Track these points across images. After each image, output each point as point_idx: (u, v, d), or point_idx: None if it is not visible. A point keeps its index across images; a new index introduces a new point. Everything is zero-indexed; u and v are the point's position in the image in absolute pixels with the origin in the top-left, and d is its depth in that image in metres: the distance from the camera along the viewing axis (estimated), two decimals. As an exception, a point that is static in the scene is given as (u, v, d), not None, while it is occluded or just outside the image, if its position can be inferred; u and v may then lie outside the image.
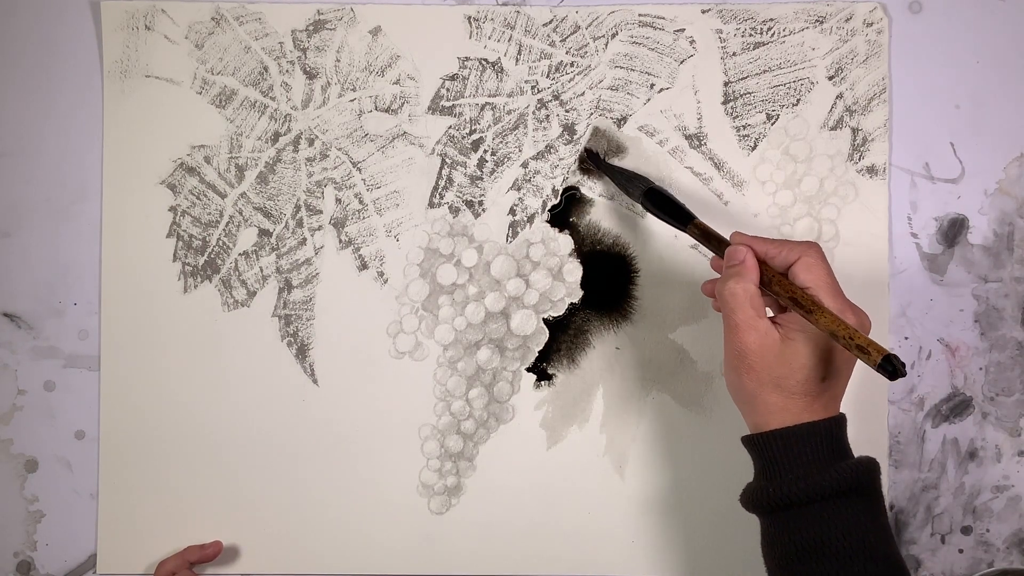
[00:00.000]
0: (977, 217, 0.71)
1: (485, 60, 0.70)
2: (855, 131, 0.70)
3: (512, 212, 0.70)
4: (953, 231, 0.71)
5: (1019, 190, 0.71)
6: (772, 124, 0.70)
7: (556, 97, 0.70)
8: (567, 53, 0.70)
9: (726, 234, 0.61)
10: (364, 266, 0.71)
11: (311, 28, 0.70)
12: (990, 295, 0.71)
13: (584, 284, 0.70)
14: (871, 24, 0.70)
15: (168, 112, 0.70)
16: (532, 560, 0.70)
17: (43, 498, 0.71)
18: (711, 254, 0.64)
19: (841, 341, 0.52)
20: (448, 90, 0.70)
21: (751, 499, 0.56)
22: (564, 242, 0.70)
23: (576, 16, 0.70)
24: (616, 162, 0.70)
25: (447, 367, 0.70)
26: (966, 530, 0.71)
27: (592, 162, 0.70)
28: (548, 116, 0.70)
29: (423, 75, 0.70)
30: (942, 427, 0.71)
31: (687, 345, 0.70)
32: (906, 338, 0.71)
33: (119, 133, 0.70)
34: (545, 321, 0.70)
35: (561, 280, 0.70)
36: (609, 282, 0.71)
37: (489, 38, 0.70)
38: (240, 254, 0.71)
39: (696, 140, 0.70)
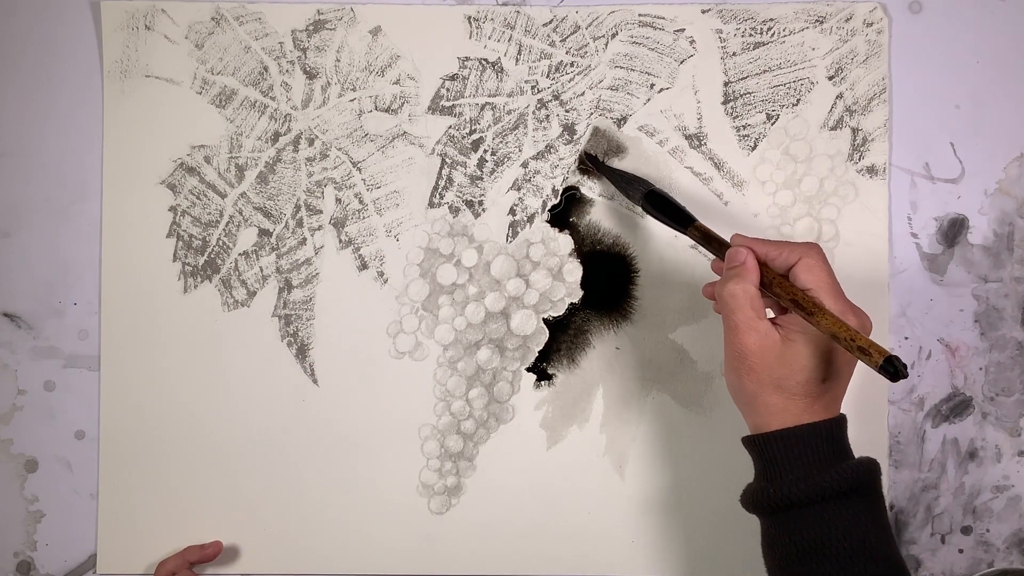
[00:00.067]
0: (977, 217, 0.71)
1: (485, 60, 0.70)
2: (855, 131, 0.70)
3: (512, 212, 0.70)
4: (953, 231, 0.71)
5: (1019, 190, 0.71)
6: (772, 124, 0.70)
7: (556, 97, 0.70)
8: (567, 53, 0.70)
9: (726, 235, 0.61)
10: (364, 266, 0.71)
11: (311, 28, 0.70)
12: (990, 295, 0.71)
13: (584, 284, 0.70)
14: (871, 24, 0.70)
15: (168, 112, 0.70)
16: (532, 560, 0.70)
17: (43, 498, 0.71)
18: (711, 255, 0.64)
19: (843, 343, 0.52)
20: (448, 90, 0.70)
21: (751, 500, 0.56)
22: (564, 242, 0.70)
23: (576, 16, 0.70)
24: (616, 163, 0.70)
25: (447, 367, 0.70)
26: (966, 530, 0.71)
27: (591, 165, 0.70)
28: (548, 116, 0.70)
29: (423, 75, 0.70)
30: (942, 427, 0.71)
31: (687, 345, 0.70)
32: (906, 338, 0.71)
33: (119, 133, 0.70)
34: (545, 321, 0.71)
35: (561, 280, 0.70)
36: (609, 282, 0.71)
37: (489, 38, 0.70)
38: (240, 254, 0.71)
39: (696, 140, 0.70)
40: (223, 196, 0.71)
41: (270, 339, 0.70)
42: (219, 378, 0.70)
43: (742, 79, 0.70)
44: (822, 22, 0.70)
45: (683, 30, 0.70)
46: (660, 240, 0.70)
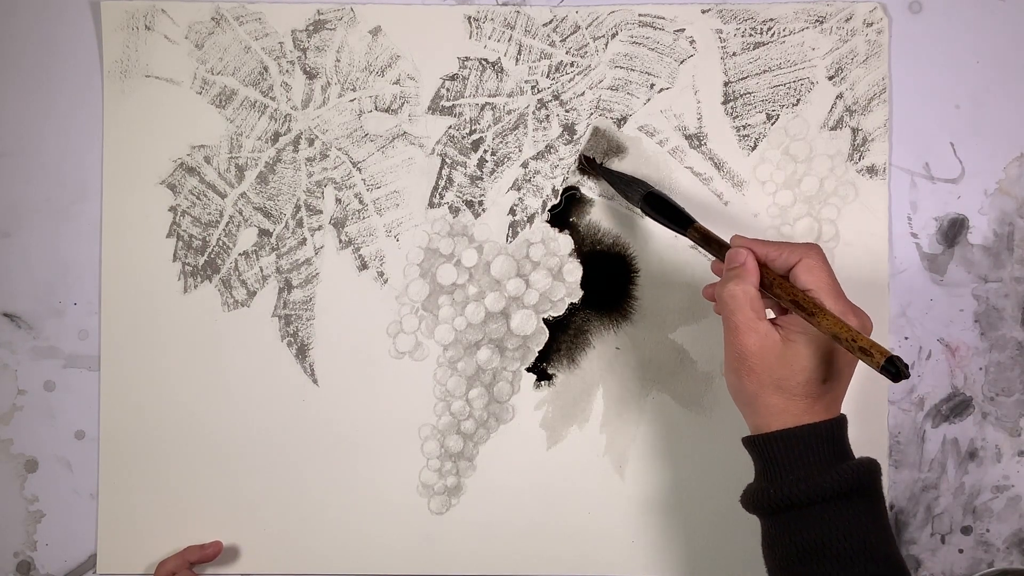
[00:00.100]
0: (977, 217, 0.71)
1: (485, 60, 0.70)
2: (855, 131, 0.70)
3: (512, 212, 0.70)
4: (953, 231, 0.71)
5: (1019, 190, 0.71)
6: (772, 124, 0.70)
7: (556, 97, 0.70)
8: (567, 53, 0.70)
9: (726, 235, 0.61)
10: (364, 266, 0.71)
11: (311, 28, 0.70)
12: (990, 295, 0.71)
13: (584, 284, 0.70)
14: (871, 24, 0.70)
15: (168, 112, 0.70)
16: (532, 560, 0.70)
17: (43, 498, 0.71)
18: (712, 256, 0.64)
19: (844, 344, 0.52)
20: (448, 90, 0.70)
21: (752, 500, 0.56)
22: (564, 242, 0.70)
23: (576, 16, 0.70)
24: (615, 163, 0.70)
25: (447, 367, 0.70)
26: (966, 530, 0.71)
27: (589, 168, 0.70)
28: (548, 116, 0.70)
29: (423, 75, 0.70)
30: (942, 427, 0.71)
31: (687, 345, 0.70)
32: (906, 338, 0.71)
33: (119, 133, 0.70)
34: (545, 321, 0.71)
35: (561, 280, 0.70)
36: (609, 282, 0.71)
37: (489, 38, 0.70)
38: (240, 254, 0.71)
39: (696, 140, 0.70)
40: (223, 196, 0.71)
41: (270, 339, 0.70)
42: (219, 378, 0.70)
43: (742, 79, 0.70)
44: (822, 22, 0.70)
45: (683, 30, 0.70)
46: (660, 240, 0.70)
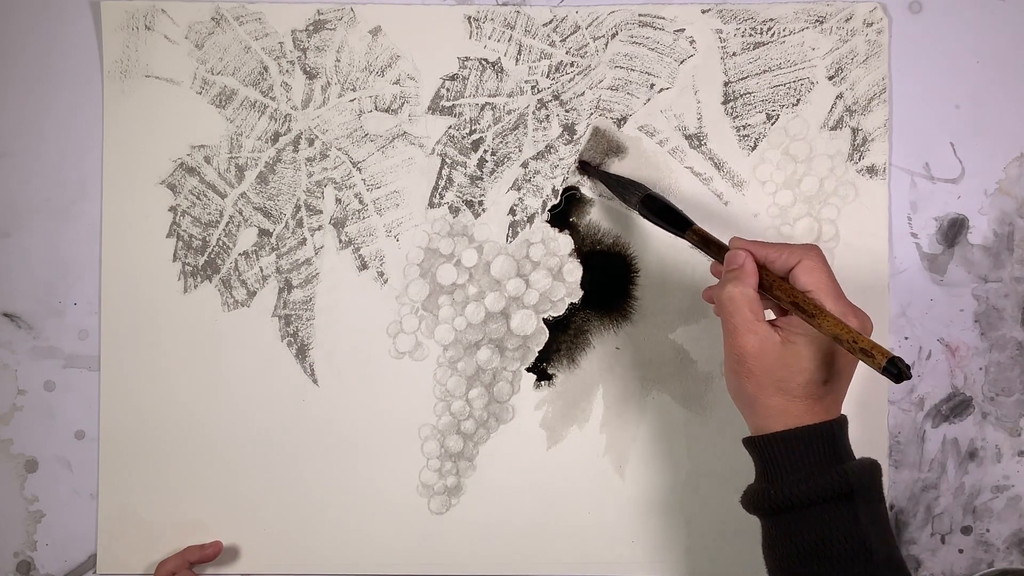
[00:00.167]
0: (977, 217, 0.71)
1: (485, 60, 0.70)
2: (855, 131, 0.70)
3: (512, 212, 0.70)
4: (953, 231, 0.71)
5: (1019, 190, 0.71)
6: (772, 124, 0.70)
7: (556, 97, 0.70)
8: (567, 53, 0.70)
9: (726, 235, 0.61)
10: (364, 266, 0.71)
11: (311, 28, 0.70)
12: (990, 295, 0.71)
13: (584, 284, 0.70)
14: (871, 24, 0.70)
15: (168, 112, 0.70)
16: (532, 560, 0.70)
17: (43, 498, 0.71)
18: (711, 258, 0.64)
19: (845, 345, 0.52)
20: (448, 90, 0.70)
21: (752, 501, 0.56)
22: (564, 242, 0.70)
23: (576, 16, 0.70)
24: (615, 163, 0.70)
25: (447, 367, 0.70)
26: (966, 530, 0.71)
27: (586, 172, 0.70)
28: (548, 116, 0.70)
29: (423, 75, 0.70)
30: (942, 427, 0.71)
31: (687, 345, 0.70)
32: (906, 338, 0.71)
33: (119, 133, 0.70)
34: (545, 321, 0.71)
35: (561, 280, 0.70)
36: (609, 282, 0.71)
37: (489, 38, 0.70)
38: (240, 254, 0.71)
39: (696, 140, 0.70)
40: (223, 196, 0.71)
41: (270, 339, 0.70)
42: (219, 378, 0.70)
43: (742, 79, 0.70)
44: (822, 22, 0.70)
45: (683, 30, 0.70)
46: (660, 240, 0.70)
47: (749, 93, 0.70)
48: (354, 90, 0.70)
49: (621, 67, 0.70)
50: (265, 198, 0.70)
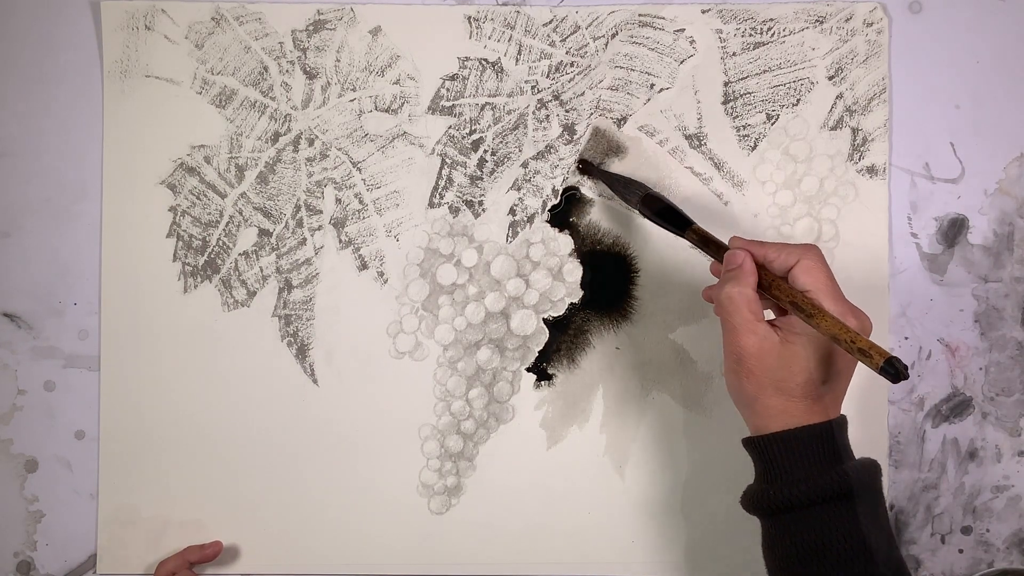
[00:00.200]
0: (977, 217, 0.71)
1: (485, 60, 0.70)
2: (855, 131, 0.70)
3: (512, 212, 0.70)
4: (953, 231, 0.71)
5: (1019, 190, 0.71)
6: (772, 124, 0.70)
7: (556, 97, 0.70)
8: (567, 53, 0.70)
9: (726, 236, 0.61)
10: (364, 266, 0.71)
11: (311, 28, 0.70)
12: (990, 295, 0.71)
13: (584, 284, 0.70)
14: (871, 24, 0.70)
15: (168, 112, 0.70)
16: (532, 560, 0.70)
17: (43, 498, 0.71)
18: (711, 257, 0.64)
19: (843, 345, 0.52)
20: (448, 90, 0.70)
21: (752, 501, 0.56)
22: (564, 242, 0.70)
23: (576, 16, 0.70)
24: (615, 163, 0.70)
25: (447, 367, 0.70)
26: (966, 530, 0.71)
27: (587, 171, 0.70)
28: (548, 116, 0.70)
29: (423, 75, 0.70)
30: (942, 427, 0.71)
31: (687, 345, 0.70)
32: (906, 338, 0.71)
33: (119, 133, 0.70)
34: (545, 321, 0.71)
35: (561, 280, 0.70)
36: (609, 282, 0.71)
37: (489, 38, 0.70)
38: (240, 254, 0.71)
39: (696, 140, 0.70)
40: (223, 196, 0.71)
41: (270, 339, 0.70)
42: (219, 378, 0.70)
43: (742, 79, 0.70)
44: (822, 22, 0.70)
45: (683, 30, 0.70)
46: (660, 240, 0.70)
47: (749, 93, 0.70)
48: (354, 90, 0.70)
49: (621, 67, 0.70)
50: (265, 198, 0.70)
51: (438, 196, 0.71)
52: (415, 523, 0.70)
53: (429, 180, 0.70)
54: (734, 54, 0.70)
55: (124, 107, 0.70)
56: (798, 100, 0.70)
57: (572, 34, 0.70)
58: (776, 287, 0.56)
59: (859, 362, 0.54)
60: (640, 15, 0.70)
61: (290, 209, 0.70)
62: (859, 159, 0.70)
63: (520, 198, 0.70)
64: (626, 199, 0.68)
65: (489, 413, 0.71)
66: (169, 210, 0.70)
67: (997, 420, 0.71)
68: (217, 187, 0.70)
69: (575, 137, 0.70)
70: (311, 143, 0.70)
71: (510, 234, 0.70)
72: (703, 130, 0.70)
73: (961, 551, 0.71)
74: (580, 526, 0.70)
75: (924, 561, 0.71)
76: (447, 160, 0.70)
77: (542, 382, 0.71)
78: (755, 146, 0.70)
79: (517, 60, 0.70)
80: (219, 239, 0.70)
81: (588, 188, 0.71)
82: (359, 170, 0.71)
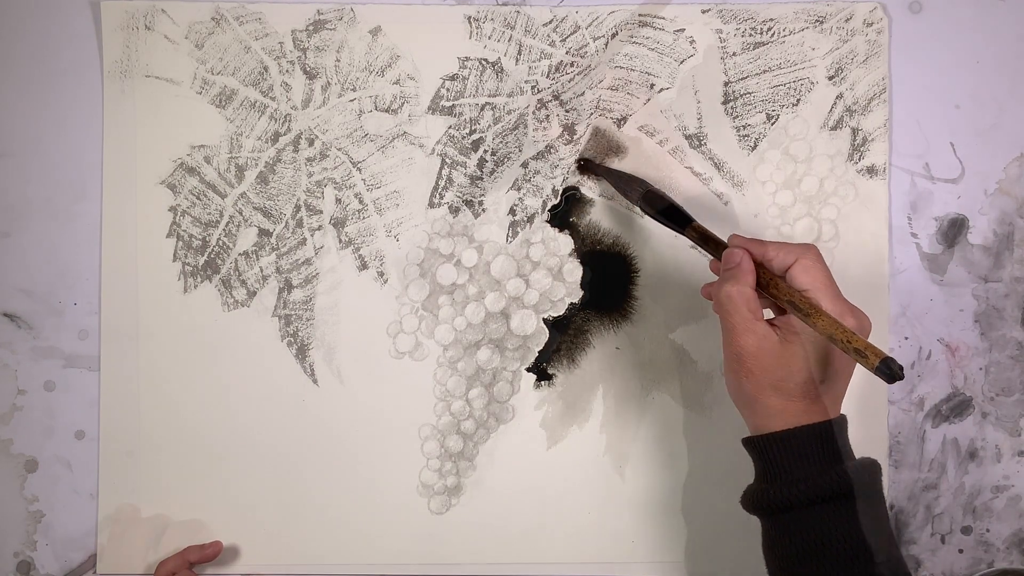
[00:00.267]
0: (977, 217, 0.71)
1: (485, 60, 0.70)
2: (855, 131, 0.70)
3: (512, 212, 0.70)
4: (953, 231, 0.71)
5: (1019, 190, 0.71)
6: (772, 124, 0.70)
7: (556, 97, 0.70)
8: (567, 53, 0.70)
9: (726, 235, 0.61)
10: (364, 266, 0.71)
11: (311, 28, 0.70)
12: (990, 295, 0.71)
13: (584, 284, 0.70)
14: (871, 24, 0.70)
15: (168, 112, 0.70)
16: (532, 560, 0.70)
17: (43, 498, 0.71)
18: (710, 255, 0.64)
19: (839, 344, 0.52)
20: (448, 90, 0.70)
21: (752, 501, 0.56)
22: (564, 242, 0.70)
23: (576, 16, 0.70)
24: (615, 163, 0.70)
25: (447, 367, 0.70)
26: (966, 530, 0.71)
27: (587, 169, 0.70)
28: (548, 116, 0.70)
29: (423, 75, 0.70)
30: (942, 427, 0.71)
31: (687, 345, 0.70)
32: (906, 338, 0.71)
33: (119, 133, 0.70)
34: (545, 321, 0.71)
35: (561, 280, 0.70)
36: (609, 282, 0.71)
37: (489, 38, 0.70)
38: (240, 254, 0.71)
39: (696, 140, 0.70)
40: (223, 196, 0.71)
41: (270, 339, 0.70)
42: (219, 378, 0.70)
43: (742, 79, 0.70)
44: (822, 22, 0.70)
45: (683, 30, 0.70)
46: (660, 240, 0.70)
47: (749, 93, 0.70)
48: (354, 90, 0.70)
49: (621, 67, 0.70)
50: (265, 198, 0.70)
51: (438, 196, 0.71)
52: (415, 523, 0.70)
53: (429, 180, 0.71)
54: (734, 54, 0.70)
55: (124, 107, 0.70)
56: (798, 100, 0.70)
57: (572, 34, 0.70)
58: (774, 286, 0.56)
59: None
60: (640, 15, 0.70)
61: (290, 209, 0.70)
62: (859, 159, 0.70)
63: (520, 198, 0.70)
64: (627, 195, 0.68)
65: (489, 413, 0.71)
66: (169, 210, 0.70)
67: (997, 420, 0.71)
68: (217, 187, 0.70)
69: (575, 137, 0.70)
70: (311, 143, 0.70)
71: (510, 234, 0.70)
72: (703, 130, 0.70)
73: (961, 551, 0.71)
74: (580, 526, 0.70)
75: (924, 561, 0.71)
76: (447, 160, 0.70)
77: (542, 382, 0.71)
78: (755, 146, 0.70)
79: (517, 60, 0.70)
80: (219, 239, 0.70)
81: (588, 188, 0.71)
82: (359, 170, 0.71)
